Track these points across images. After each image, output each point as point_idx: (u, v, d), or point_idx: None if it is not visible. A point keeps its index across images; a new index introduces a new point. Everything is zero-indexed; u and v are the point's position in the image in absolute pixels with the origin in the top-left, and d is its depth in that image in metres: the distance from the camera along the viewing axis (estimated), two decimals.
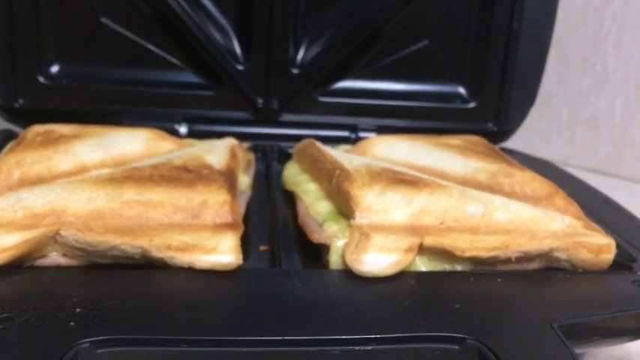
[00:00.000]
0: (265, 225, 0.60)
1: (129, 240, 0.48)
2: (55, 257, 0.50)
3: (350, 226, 0.52)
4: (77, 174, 0.61)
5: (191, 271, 0.48)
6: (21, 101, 0.80)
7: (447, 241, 0.50)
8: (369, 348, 0.40)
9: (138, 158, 0.66)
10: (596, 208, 0.63)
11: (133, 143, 0.68)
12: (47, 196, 0.51)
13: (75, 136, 0.66)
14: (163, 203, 0.52)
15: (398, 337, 0.41)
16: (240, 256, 0.48)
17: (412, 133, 0.80)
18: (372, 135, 0.84)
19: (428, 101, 0.86)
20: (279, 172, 0.74)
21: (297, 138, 0.84)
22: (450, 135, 0.77)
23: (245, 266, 0.49)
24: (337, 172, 0.59)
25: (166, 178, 0.55)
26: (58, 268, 0.49)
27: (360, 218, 0.53)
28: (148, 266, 0.49)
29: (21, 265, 0.48)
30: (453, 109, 0.86)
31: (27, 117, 0.78)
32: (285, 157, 0.81)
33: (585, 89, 1.13)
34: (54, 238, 0.49)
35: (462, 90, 0.87)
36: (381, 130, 0.84)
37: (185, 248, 0.48)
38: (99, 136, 0.68)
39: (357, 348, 0.40)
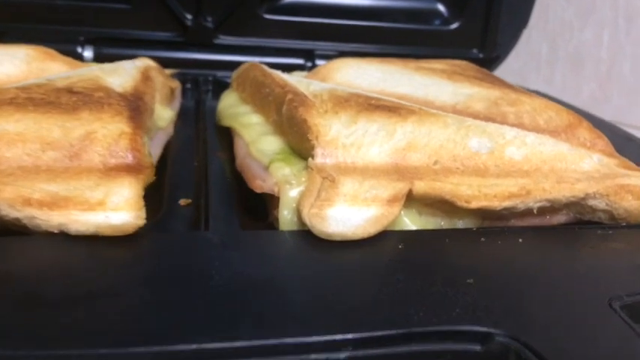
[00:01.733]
0: (190, 172, 0.43)
1: None
2: None
3: (308, 168, 0.36)
4: None
5: (63, 238, 0.31)
6: None
7: (446, 187, 0.35)
8: (343, 356, 0.25)
9: (14, 83, 0.48)
10: (619, 145, 0.49)
11: (8, 64, 0.50)
12: None
13: None
14: (25, 136, 0.34)
15: (386, 336, 0.26)
16: (142, 214, 0.32)
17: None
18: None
19: (400, 21, 0.70)
20: (214, 108, 0.57)
21: (237, 66, 0.67)
22: (430, 59, 0.61)
23: (150, 229, 0.33)
24: (289, 96, 0.42)
25: (36, 101, 0.37)
26: None
27: (322, 157, 0.37)
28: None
29: None
30: (431, 31, 0.71)
31: None
32: (221, 89, 0.63)
33: (568, 20, 1.00)
34: None
35: (441, 8, 0.70)
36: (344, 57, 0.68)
37: (54, 203, 0.31)
38: None
39: (323, 356, 0.25)
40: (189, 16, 0.65)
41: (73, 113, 0.36)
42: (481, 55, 0.71)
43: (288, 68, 0.64)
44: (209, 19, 0.66)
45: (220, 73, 0.65)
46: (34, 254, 0.30)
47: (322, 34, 0.69)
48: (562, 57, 1.01)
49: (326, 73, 0.57)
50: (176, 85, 0.56)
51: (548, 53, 1.03)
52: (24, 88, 0.40)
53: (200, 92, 0.60)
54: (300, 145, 0.39)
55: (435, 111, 0.43)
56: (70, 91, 0.40)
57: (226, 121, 0.50)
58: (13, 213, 0.31)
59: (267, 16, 0.67)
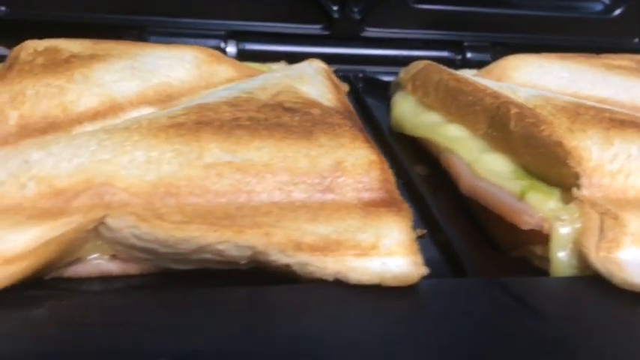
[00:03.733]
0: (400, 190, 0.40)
1: (231, 235, 0.27)
2: (98, 262, 0.29)
3: (575, 200, 0.32)
4: (108, 115, 0.39)
5: (341, 287, 0.28)
6: (2, 8, 0.56)
7: None
8: None
9: (189, 90, 0.45)
10: None
11: (179, 68, 0.46)
12: (75, 157, 0.30)
13: (93, 57, 0.44)
14: (272, 167, 0.31)
15: None
16: (419, 259, 0.28)
17: (537, 51, 0.59)
18: (484, 56, 0.63)
19: (555, 10, 0.64)
20: (376, 108, 0.53)
21: (384, 60, 0.63)
22: (609, 55, 0.55)
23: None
24: (513, 110, 0.38)
25: (262, 123, 0.34)
26: (105, 283, 0.29)
27: (589, 187, 0.32)
28: (258, 277, 0.29)
29: (41, 279, 0.28)
30: (589, 19, 0.65)
31: (9, 30, 0.55)
32: (373, 86, 0.59)
33: None
34: (96, 232, 0.28)
35: None
36: (496, 50, 0.63)
37: (326, 247, 0.28)
38: (127, 56, 0.45)
39: None
40: (335, 8, 0.61)
41: (311, 139, 0.33)
42: None
43: (436, 61, 0.60)
44: (355, 10, 0.61)
45: (369, 69, 0.61)
46: (323, 309, 0.27)
47: (472, 24, 0.64)
48: None
49: (501, 71, 0.52)
50: (346, 88, 0.52)
51: None
52: (234, 105, 0.37)
53: (357, 91, 0.56)
54: (546, 169, 0.35)
55: None
56: (284, 108, 0.36)
57: (416, 131, 0.46)
58: (283, 259, 0.28)
59: (416, 6, 0.62)
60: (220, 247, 0.27)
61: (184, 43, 0.51)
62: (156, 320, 0.25)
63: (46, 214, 0.28)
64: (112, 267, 0.29)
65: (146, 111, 0.42)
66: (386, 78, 0.58)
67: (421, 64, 0.51)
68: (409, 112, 0.48)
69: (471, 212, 0.39)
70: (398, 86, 0.53)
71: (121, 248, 0.29)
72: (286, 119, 0.35)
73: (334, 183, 0.31)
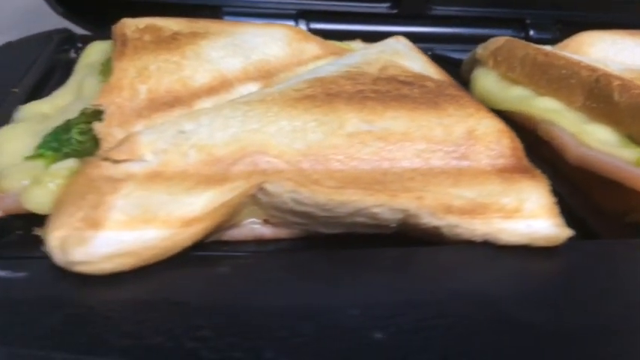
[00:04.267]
0: None
1: (386, 199, 0.29)
2: (252, 226, 0.31)
3: None
4: (221, 91, 0.41)
5: (488, 248, 0.29)
6: None
7: None
8: None
9: (284, 67, 0.46)
10: None
11: (273, 45, 0.47)
12: (228, 127, 0.31)
13: (195, 35, 0.45)
14: (410, 136, 0.33)
15: None
16: (561, 221, 0.30)
17: (599, 29, 0.60)
18: (546, 34, 0.64)
19: None
20: None
21: (449, 39, 0.64)
22: None
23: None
24: (616, 82, 0.39)
25: (386, 94, 0.35)
26: (259, 246, 0.31)
27: None
28: (402, 239, 0.31)
29: (202, 242, 0.30)
30: None
31: (90, 11, 0.57)
32: (444, 64, 0.60)
33: None
34: (253, 198, 0.30)
35: None
36: (558, 28, 0.64)
37: (473, 210, 0.30)
38: (225, 34, 0.46)
39: None
40: None
41: (439, 109, 0.34)
42: None
43: None
44: None
45: (439, 47, 0.62)
46: (478, 271, 0.28)
47: (535, 1, 0.65)
48: None
49: (576, 47, 0.54)
50: None
51: None
52: (351, 78, 0.38)
53: None
54: None
55: None
56: (399, 81, 0.38)
57: (504, 105, 0.47)
58: (433, 222, 0.29)
59: None
60: (376, 210, 0.29)
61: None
62: (331, 276, 0.27)
63: (210, 180, 0.29)
64: (265, 231, 0.31)
65: (251, 86, 0.43)
66: (455, 56, 0.60)
67: (501, 40, 0.52)
68: (493, 86, 0.50)
69: (571, 181, 0.40)
70: (476, 62, 0.54)
71: (275, 213, 0.30)
72: (406, 91, 0.36)
73: (469, 150, 0.32)
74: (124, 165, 0.29)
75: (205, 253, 0.28)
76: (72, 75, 0.46)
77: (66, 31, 0.57)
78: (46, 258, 0.26)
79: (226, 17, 0.60)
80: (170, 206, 0.27)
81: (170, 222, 0.27)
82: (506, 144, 0.33)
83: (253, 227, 0.31)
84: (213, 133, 0.31)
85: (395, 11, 0.63)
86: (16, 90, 0.43)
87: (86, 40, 0.56)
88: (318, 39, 0.52)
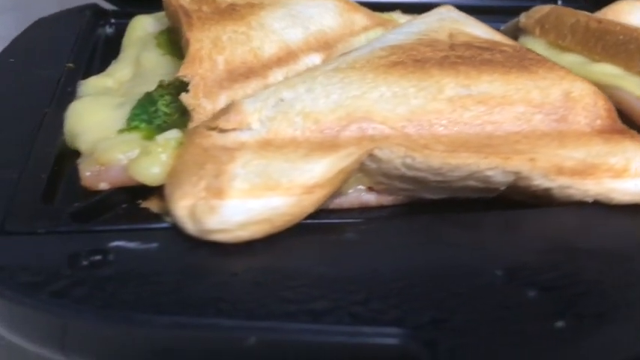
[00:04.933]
0: None
1: (499, 162, 0.29)
2: (358, 194, 0.31)
3: None
4: (290, 61, 0.40)
5: (598, 208, 0.30)
6: None
7: None
8: None
9: (340, 37, 0.45)
10: None
11: (326, 15, 0.46)
12: (330, 94, 0.31)
13: (253, 5, 0.44)
14: (509, 99, 0.32)
15: None
16: None
17: None
18: (574, 5, 0.64)
19: None
20: None
21: (481, 10, 0.64)
22: None
23: None
24: None
25: (472, 59, 0.35)
26: (364, 213, 0.30)
27: None
28: (501, 204, 0.31)
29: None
30: None
31: None
32: None
33: None
34: (361, 164, 0.29)
35: None
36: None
37: (584, 171, 0.30)
38: (280, 5, 0.45)
39: None
40: None
41: (531, 72, 0.34)
42: None
43: (518, 11, 0.61)
44: None
45: None
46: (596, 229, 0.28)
47: None
48: None
49: (615, 16, 0.54)
50: None
51: None
52: (429, 45, 0.37)
53: None
54: None
55: None
56: (477, 47, 0.37)
57: None
58: (545, 183, 0.29)
59: None
60: (489, 172, 0.29)
61: None
62: (459, 239, 0.27)
63: (321, 147, 0.28)
64: (370, 198, 0.31)
65: (314, 57, 0.42)
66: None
67: (545, 8, 0.52)
68: (544, 54, 0.50)
69: None
70: (518, 32, 0.54)
71: (383, 179, 0.30)
72: (488, 56, 0.36)
73: (568, 112, 0.32)
74: (232, 134, 0.28)
75: (316, 221, 0.28)
76: (123, 50, 0.44)
77: (95, 7, 0.54)
78: (169, 229, 0.26)
79: None
80: (291, 173, 0.27)
81: (293, 189, 0.26)
82: (601, 105, 0.33)
83: (359, 195, 0.30)
84: (317, 100, 0.30)
85: None
86: (72, 65, 0.41)
87: (118, 16, 0.54)
88: (365, 9, 0.51)
